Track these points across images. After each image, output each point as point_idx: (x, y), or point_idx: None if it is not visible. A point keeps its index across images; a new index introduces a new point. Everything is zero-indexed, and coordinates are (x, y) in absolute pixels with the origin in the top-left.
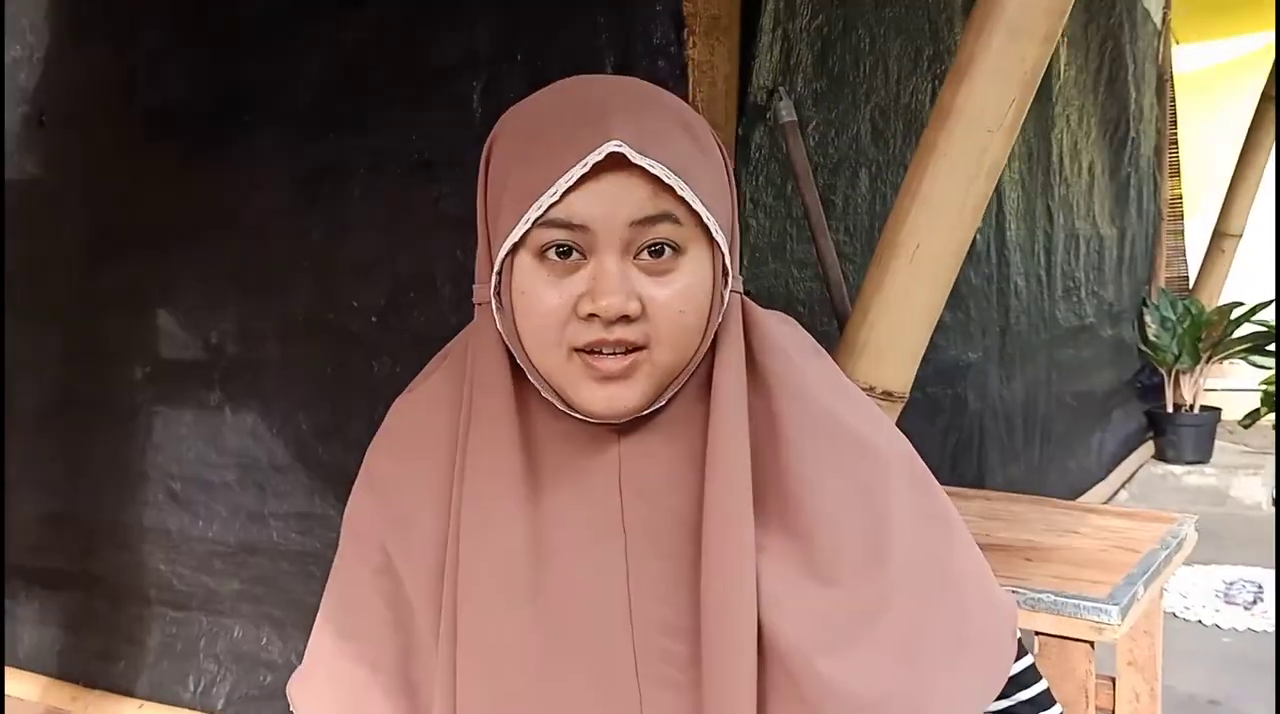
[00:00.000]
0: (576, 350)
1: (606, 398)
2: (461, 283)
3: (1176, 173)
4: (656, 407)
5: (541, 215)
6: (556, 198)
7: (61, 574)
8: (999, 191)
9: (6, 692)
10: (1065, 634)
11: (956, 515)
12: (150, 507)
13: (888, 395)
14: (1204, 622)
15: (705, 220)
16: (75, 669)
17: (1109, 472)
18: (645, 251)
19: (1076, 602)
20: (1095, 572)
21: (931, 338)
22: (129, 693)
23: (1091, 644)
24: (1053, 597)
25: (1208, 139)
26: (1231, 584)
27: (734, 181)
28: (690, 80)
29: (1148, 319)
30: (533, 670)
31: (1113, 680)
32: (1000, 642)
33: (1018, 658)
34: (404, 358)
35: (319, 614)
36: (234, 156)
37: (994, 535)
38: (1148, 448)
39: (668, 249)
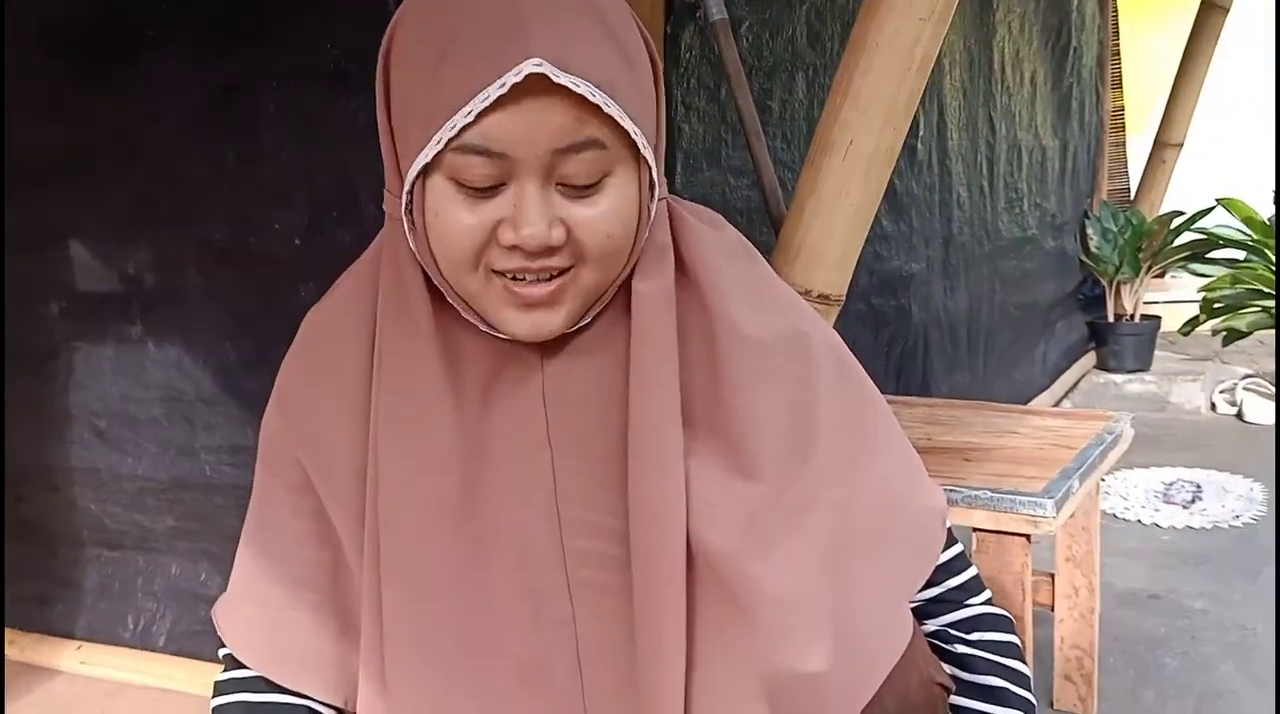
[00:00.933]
0: (495, 272)
1: (531, 323)
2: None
3: (1119, 84)
4: (583, 323)
5: (454, 137)
6: (471, 119)
7: None
8: (940, 100)
9: None
10: (1002, 529)
11: (886, 410)
12: (77, 446)
13: (824, 298)
14: (1143, 521)
15: (633, 137)
16: (11, 614)
17: (1053, 381)
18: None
19: (1012, 497)
20: (1032, 468)
21: (874, 248)
22: (68, 635)
23: (1028, 538)
24: (989, 493)
25: (1150, 51)
26: (1170, 484)
27: (661, 84)
28: None
29: (1089, 231)
30: (461, 586)
31: (1051, 577)
32: (926, 532)
33: (947, 547)
34: (329, 281)
35: (241, 539)
36: (136, 76)
37: (935, 439)
38: (1090, 358)
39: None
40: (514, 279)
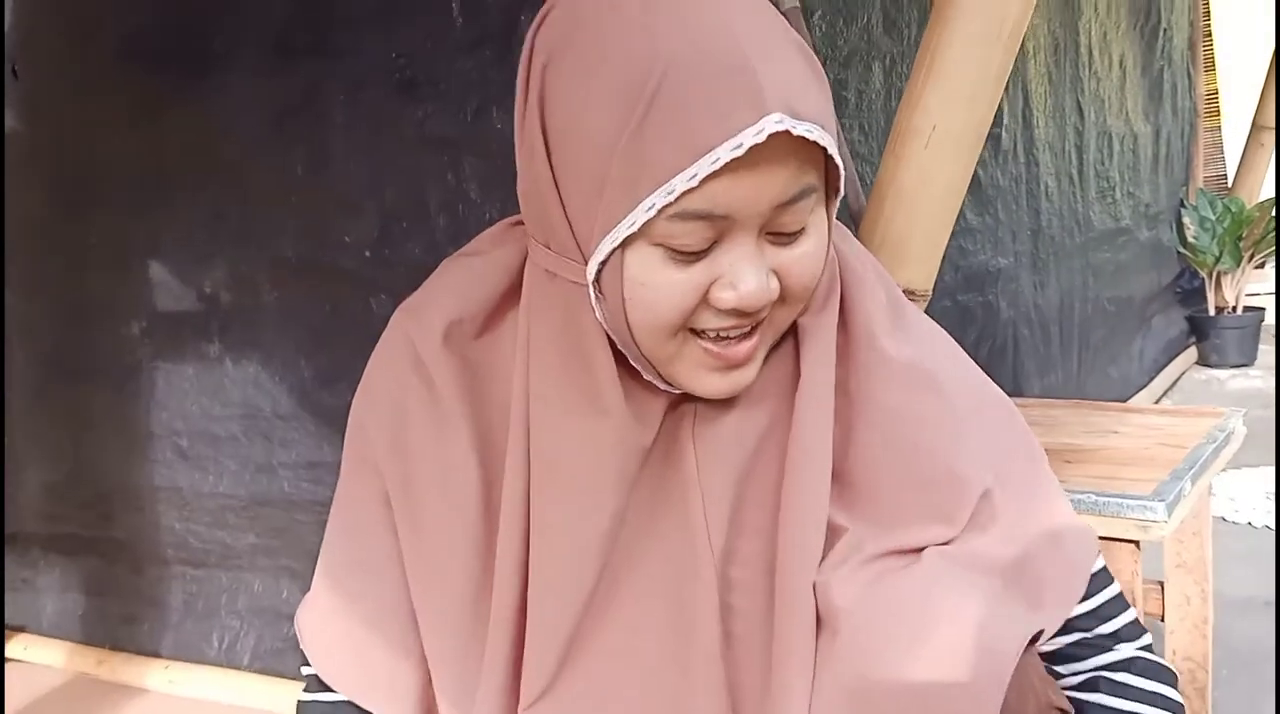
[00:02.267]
0: (694, 332)
1: (731, 384)
2: (456, 208)
3: (1211, 67)
4: None
5: (670, 202)
6: (695, 183)
7: (78, 540)
8: (1025, 86)
9: (33, 659)
10: (1110, 535)
11: (1040, 452)
12: (159, 465)
13: (909, 294)
14: (1254, 524)
15: (839, 170)
16: (99, 634)
17: (1151, 378)
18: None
19: (1120, 500)
20: (1139, 470)
21: (959, 243)
22: (155, 654)
23: (1137, 544)
24: (1095, 497)
25: (1244, 31)
26: None
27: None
28: None
29: (1186, 220)
30: (618, 645)
31: (1161, 585)
32: (1065, 582)
33: (1101, 589)
34: (401, 293)
35: (325, 537)
36: (205, 93)
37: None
38: (1190, 354)
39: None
40: (717, 338)
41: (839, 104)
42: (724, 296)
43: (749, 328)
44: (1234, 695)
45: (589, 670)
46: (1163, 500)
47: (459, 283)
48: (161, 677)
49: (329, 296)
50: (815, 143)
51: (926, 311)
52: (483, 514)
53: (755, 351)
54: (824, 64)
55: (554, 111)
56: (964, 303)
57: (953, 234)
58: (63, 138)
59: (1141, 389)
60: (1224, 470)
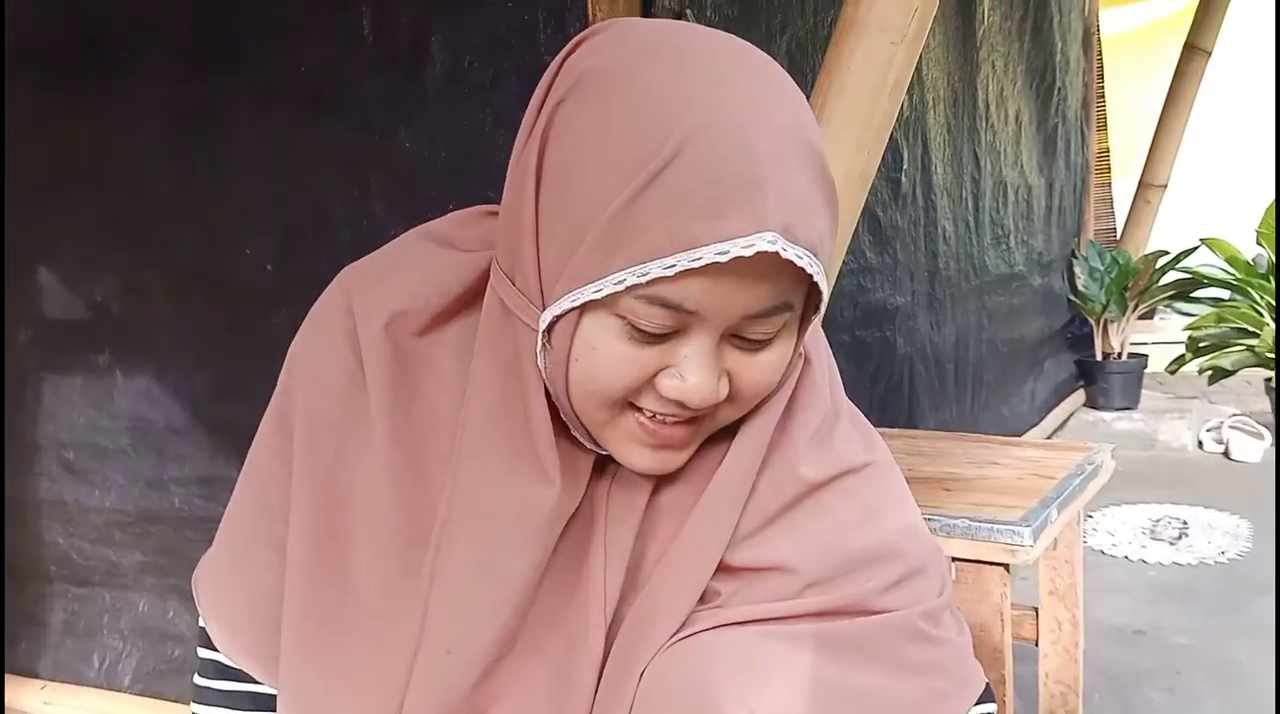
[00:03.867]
0: (633, 405)
1: (659, 462)
2: (360, 224)
3: (1104, 126)
4: None
5: (642, 284)
6: (670, 273)
7: None
8: (924, 135)
9: None
10: (980, 559)
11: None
12: (44, 478)
13: None
14: (1130, 557)
15: (821, 292)
16: None
17: (1042, 418)
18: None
19: (991, 525)
20: (1011, 498)
21: (858, 281)
22: (32, 674)
23: (1007, 567)
24: (967, 522)
25: (1135, 96)
26: (1158, 521)
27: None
28: None
29: (1077, 269)
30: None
31: (1035, 611)
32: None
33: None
34: (302, 309)
35: (238, 481)
36: (107, 99)
37: (916, 469)
38: (1079, 396)
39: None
40: (653, 417)
41: None
42: (670, 385)
43: (688, 417)
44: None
45: None
46: (1029, 526)
47: (417, 271)
48: (37, 698)
49: (227, 309)
50: (814, 276)
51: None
52: (399, 527)
53: (691, 439)
54: None
55: (556, 149)
56: (861, 338)
57: (852, 272)
58: None
59: (1033, 427)
60: (1105, 507)
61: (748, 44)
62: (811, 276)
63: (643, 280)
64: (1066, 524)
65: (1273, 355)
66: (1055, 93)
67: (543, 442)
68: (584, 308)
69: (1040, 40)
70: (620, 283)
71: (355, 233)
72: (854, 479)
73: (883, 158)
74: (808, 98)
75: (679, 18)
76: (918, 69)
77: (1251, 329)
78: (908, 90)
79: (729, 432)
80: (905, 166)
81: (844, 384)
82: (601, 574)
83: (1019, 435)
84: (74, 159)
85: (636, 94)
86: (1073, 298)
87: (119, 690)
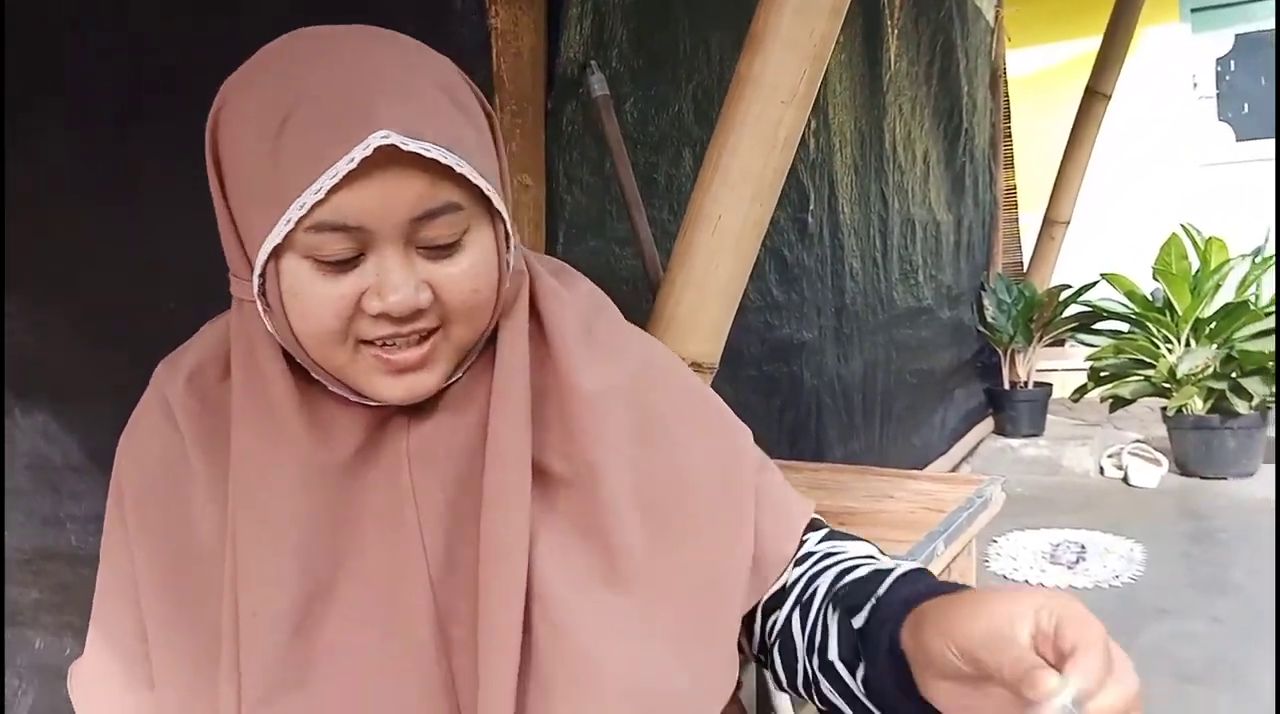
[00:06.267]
0: (363, 341)
1: (405, 387)
2: None
3: (1010, 164)
4: (453, 379)
5: (305, 216)
6: (321, 196)
7: None
8: (830, 176)
9: None
10: None
11: (744, 433)
12: None
13: (697, 366)
14: (1029, 581)
15: (487, 193)
16: None
17: (951, 445)
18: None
19: None
20: (903, 531)
21: (765, 317)
22: None
23: None
24: None
25: (1041, 134)
26: (1057, 546)
27: (502, 148)
28: (494, 50)
29: (985, 302)
30: (336, 661)
31: None
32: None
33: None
34: None
35: (94, 595)
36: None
37: (818, 504)
38: (988, 423)
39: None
40: (384, 346)
41: (650, 187)
42: (371, 304)
43: (415, 337)
44: None
45: (305, 696)
46: (914, 560)
47: (210, 331)
48: None
49: (131, 348)
50: (453, 166)
51: (731, 380)
52: (219, 556)
53: (429, 360)
54: (634, 148)
55: (221, 151)
56: (769, 372)
57: (759, 309)
58: None
59: (942, 455)
60: (1008, 532)
61: (392, 31)
62: (479, 188)
63: (304, 212)
64: (959, 553)
65: (1168, 385)
66: (963, 133)
67: (279, 397)
68: (278, 261)
69: (947, 83)
70: (288, 222)
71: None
72: (629, 383)
73: (789, 199)
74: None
75: (584, 69)
76: (824, 114)
77: (1148, 360)
78: (815, 134)
79: (491, 363)
80: (812, 207)
81: (752, 418)
82: (416, 526)
83: (928, 463)
84: None
85: (266, 76)
86: (981, 329)
87: None
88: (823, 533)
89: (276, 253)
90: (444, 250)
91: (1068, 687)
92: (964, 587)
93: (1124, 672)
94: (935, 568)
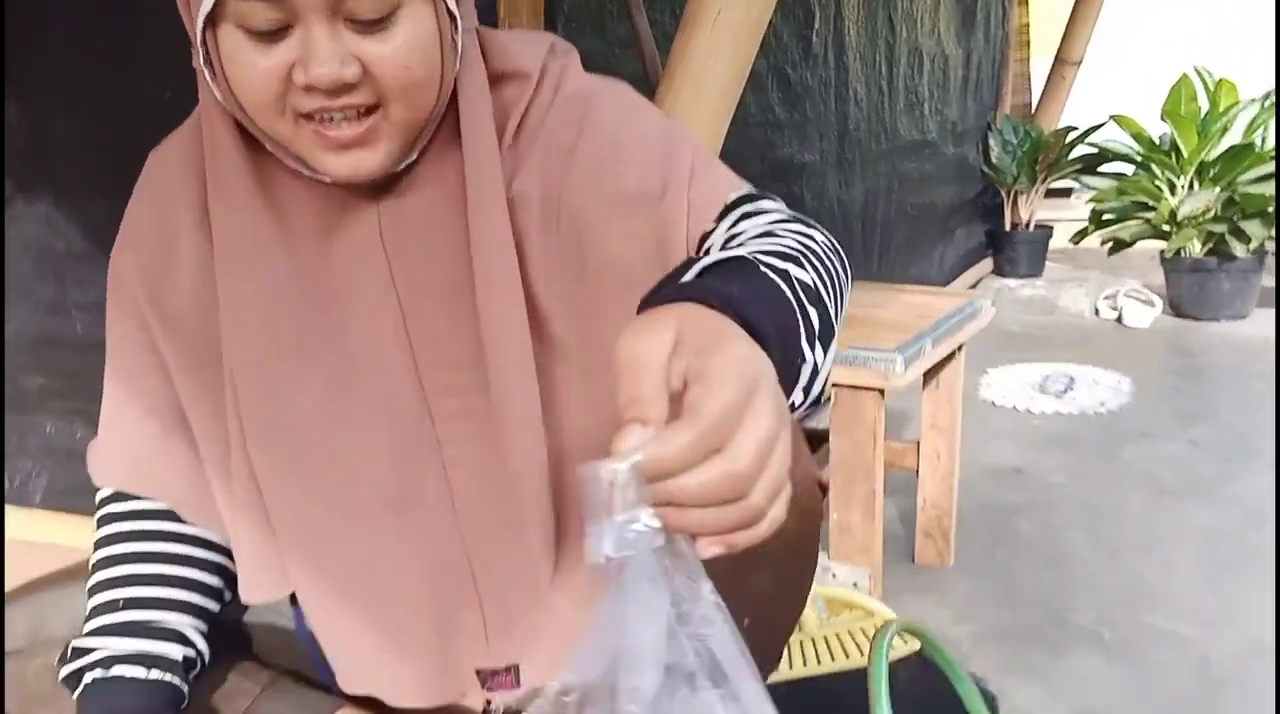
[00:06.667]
0: (303, 116)
1: (348, 164)
2: None
3: (1025, 1)
4: (410, 161)
5: None
6: None
7: None
8: None
9: None
10: (857, 384)
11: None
12: None
13: None
14: (1017, 407)
15: None
16: None
17: (949, 283)
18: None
19: (868, 353)
20: (891, 332)
21: (766, 135)
22: None
23: (881, 392)
24: (851, 351)
25: None
26: (1047, 377)
27: None
28: None
29: (991, 142)
30: (324, 424)
31: (917, 444)
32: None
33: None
34: None
35: (104, 384)
36: None
37: None
38: (987, 264)
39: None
40: (321, 121)
41: None
42: (298, 76)
43: (352, 112)
44: (975, 541)
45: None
46: (902, 354)
47: (195, 115)
48: None
49: (130, 135)
50: None
51: None
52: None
53: (369, 139)
54: None
55: None
56: (770, 191)
57: (760, 125)
58: None
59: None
60: (1001, 365)
61: None
62: None
63: None
64: (947, 362)
65: (1167, 228)
66: None
67: (225, 164)
68: (216, 30)
69: None
70: None
71: None
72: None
73: (793, 15)
74: None
75: None
76: None
77: (1150, 203)
78: None
79: (454, 144)
80: (816, 25)
81: None
82: (400, 318)
83: None
84: None
85: None
86: (986, 169)
87: (30, 507)
88: (736, 214)
89: (214, 22)
90: (374, 25)
91: (636, 454)
92: (751, 273)
93: (740, 457)
94: (917, 368)
